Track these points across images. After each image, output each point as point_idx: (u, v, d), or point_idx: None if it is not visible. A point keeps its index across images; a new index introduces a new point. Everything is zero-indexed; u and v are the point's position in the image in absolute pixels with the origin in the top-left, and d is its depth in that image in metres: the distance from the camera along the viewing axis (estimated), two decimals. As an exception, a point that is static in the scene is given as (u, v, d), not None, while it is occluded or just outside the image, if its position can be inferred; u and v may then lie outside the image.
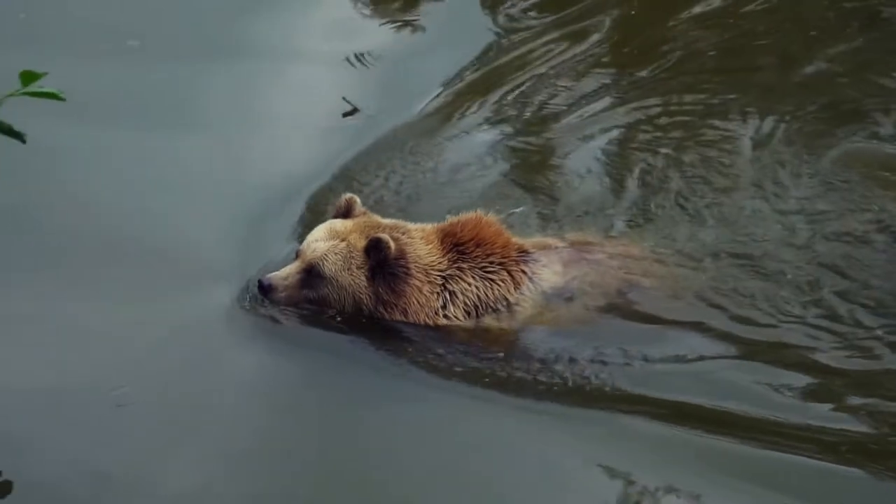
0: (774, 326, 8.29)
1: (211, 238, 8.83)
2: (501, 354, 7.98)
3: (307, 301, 8.11)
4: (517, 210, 9.32)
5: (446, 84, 11.11)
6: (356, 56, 11.20)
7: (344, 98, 10.61)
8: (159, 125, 9.89)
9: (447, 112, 10.72)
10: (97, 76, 10.13)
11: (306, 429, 7.53)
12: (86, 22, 10.87)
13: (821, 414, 7.62)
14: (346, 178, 9.64)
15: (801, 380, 7.90)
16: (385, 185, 9.64)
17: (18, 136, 6.07)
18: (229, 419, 7.54)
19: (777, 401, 7.72)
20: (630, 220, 9.24)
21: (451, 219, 8.41)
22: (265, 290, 8.05)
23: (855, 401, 7.74)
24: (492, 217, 8.37)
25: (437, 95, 10.92)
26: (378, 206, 9.15)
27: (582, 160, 10.04)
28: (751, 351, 8.11)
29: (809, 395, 7.80)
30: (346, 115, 10.54)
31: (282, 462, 7.20)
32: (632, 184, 9.70)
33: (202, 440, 7.37)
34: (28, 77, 5.96)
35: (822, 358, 8.06)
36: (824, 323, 8.30)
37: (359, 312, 8.11)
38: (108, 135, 9.68)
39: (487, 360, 7.94)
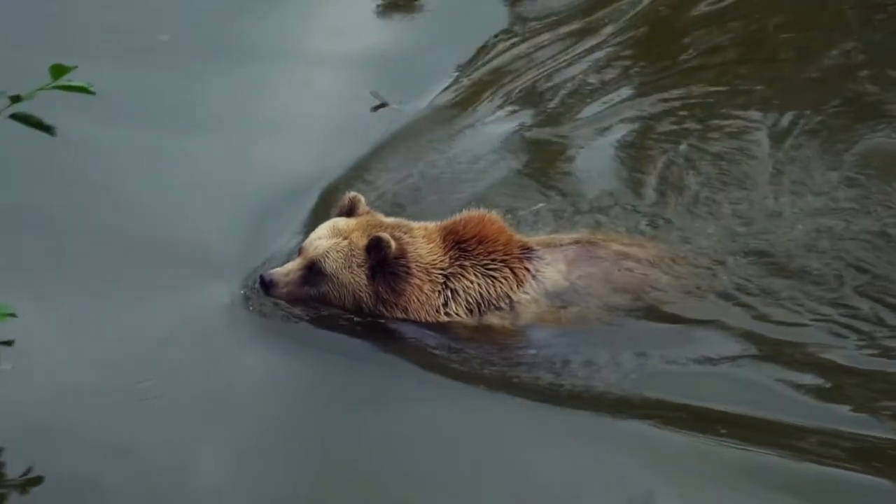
0: (795, 326, 8.21)
1: (219, 235, 8.87)
2: (504, 354, 7.97)
3: (308, 298, 8.12)
4: (540, 205, 9.31)
5: (460, 77, 11.11)
6: (366, 53, 11.22)
7: (372, 92, 10.59)
8: (169, 124, 9.94)
9: (462, 105, 10.70)
10: (106, 75, 10.10)
11: (313, 427, 7.54)
12: (101, 22, 10.96)
13: (842, 417, 7.52)
14: (358, 174, 9.66)
15: (823, 381, 7.82)
16: (399, 181, 9.63)
17: (48, 130, 6.12)
18: (237, 417, 7.58)
19: (796, 404, 7.63)
20: (651, 217, 9.19)
21: (454, 217, 8.39)
22: (266, 285, 8.08)
23: (879, 403, 7.63)
24: (495, 215, 8.35)
25: (452, 89, 10.91)
26: (391, 202, 9.24)
27: (600, 154, 10.01)
28: (769, 352, 8.03)
29: (830, 397, 7.71)
30: (375, 108, 10.55)
31: (289, 462, 7.23)
32: (652, 180, 9.64)
33: (214, 437, 7.44)
34: (58, 70, 6.03)
35: (844, 358, 7.97)
36: (848, 321, 8.21)
37: (359, 310, 8.11)
38: (121, 133, 9.76)
39: (491, 359, 7.93)
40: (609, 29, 11.69)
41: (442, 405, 7.65)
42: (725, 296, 8.41)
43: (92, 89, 6.12)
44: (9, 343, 6.29)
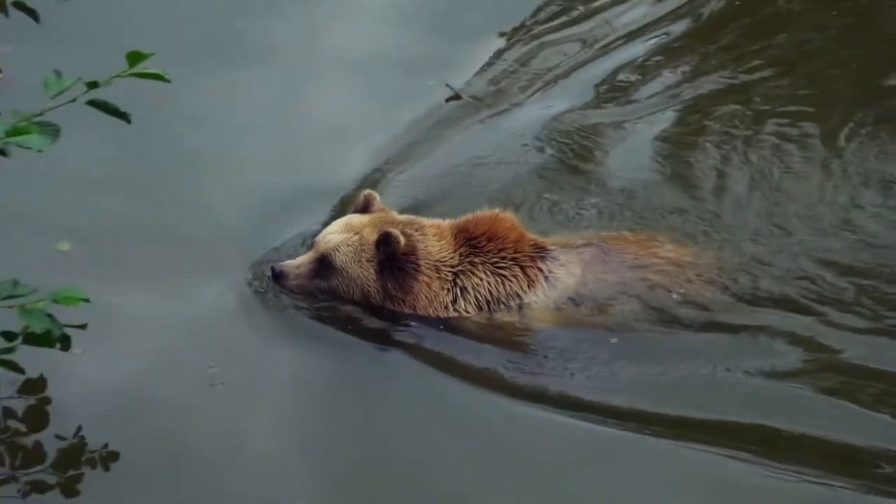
0: (831, 334, 8.00)
1: (240, 230, 8.96)
2: (515, 355, 7.97)
3: (318, 290, 8.22)
4: (594, 200, 9.21)
5: (496, 66, 11.00)
6: (386, 50, 11.08)
7: (447, 85, 10.56)
8: (186, 122, 9.89)
9: (498, 97, 10.60)
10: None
11: (335, 427, 7.61)
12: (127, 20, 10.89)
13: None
14: (388, 169, 9.67)
15: (871, 393, 7.60)
16: (437, 175, 9.62)
17: (124, 117, 6.15)
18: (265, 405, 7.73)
19: (838, 419, 7.40)
20: (697, 217, 9.00)
21: (467, 215, 8.40)
22: (277, 276, 8.21)
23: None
24: (509, 213, 8.34)
25: (488, 77, 10.82)
26: (422, 195, 9.31)
27: (646, 148, 9.84)
28: (801, 363, 7.82)
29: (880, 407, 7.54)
30: (448, 100, 10.52)
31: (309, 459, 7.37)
32: (702, 176, 9.44)
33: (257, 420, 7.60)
34: (135, 57, 6.05)
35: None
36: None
37: (369, 304, 8.17)
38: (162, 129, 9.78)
39: (500, 359, 7.93)
40: (653, 15, 11.53)
41: (449, 402, 7.67)
42: (760, 304, 8.24)
43: (167, 77, 6.14)
44: (82, 327, 6.35)
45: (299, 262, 8.24)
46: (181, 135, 9.72)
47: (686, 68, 10.84)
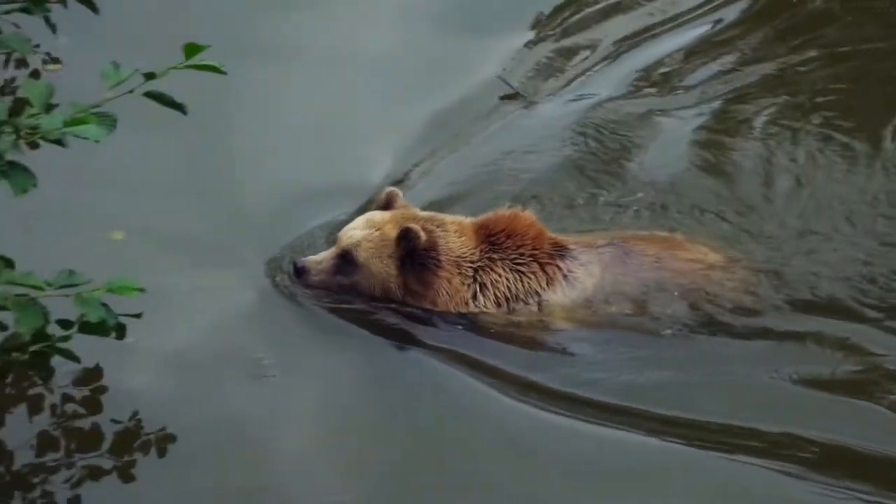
0: (869, 343, 7.85)
1: (275, 227, 9.04)
2: (532, 352, 8.00)
3: (339, 286, 8.28)
4: (638, 195, 9.20)
5: (532, 54, 11.01)
6: (414, 43, 11.08)
7: (501, 78, 10.64)
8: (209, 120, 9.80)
9: (542, 86, 10.64)
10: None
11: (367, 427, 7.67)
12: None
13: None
14: (415, 164, 9.76)
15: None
16: (469, 170, 9.68)
17: (180, 108, 6.22)
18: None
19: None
20: (736, 220, 8.93)
21: (488, 213, 8.44)
22: (298, 272, 8.29)
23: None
24: (529, 212, 8.36)
25: (526, 68, 10.82)
26: (456, 188, 9.41)
27: (684, 143, 9.78)
28: (825, 370, 7.71)
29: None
30: (503, 97, 10.55)
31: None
32: (744, 180, 9.33)
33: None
34: (191, 49, 6.14)
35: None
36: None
37: (390, 300, 8.22)
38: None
39: (518, 356, 7.97)
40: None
41: (468, 400, 7.71)
42: (794, 307, 8.14)
43: (223, 69, 6.22)
44: (137, 316, 6.44)
45: (321, 258, 8.31)
46: (210, 130, 9.72)
47: (730, 59, 10.77)
